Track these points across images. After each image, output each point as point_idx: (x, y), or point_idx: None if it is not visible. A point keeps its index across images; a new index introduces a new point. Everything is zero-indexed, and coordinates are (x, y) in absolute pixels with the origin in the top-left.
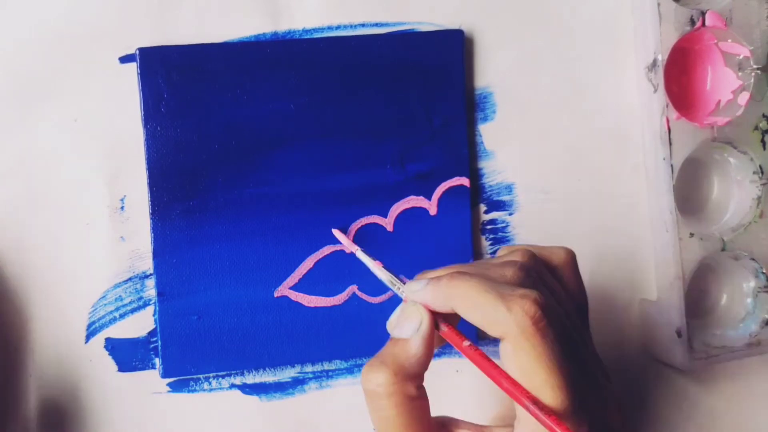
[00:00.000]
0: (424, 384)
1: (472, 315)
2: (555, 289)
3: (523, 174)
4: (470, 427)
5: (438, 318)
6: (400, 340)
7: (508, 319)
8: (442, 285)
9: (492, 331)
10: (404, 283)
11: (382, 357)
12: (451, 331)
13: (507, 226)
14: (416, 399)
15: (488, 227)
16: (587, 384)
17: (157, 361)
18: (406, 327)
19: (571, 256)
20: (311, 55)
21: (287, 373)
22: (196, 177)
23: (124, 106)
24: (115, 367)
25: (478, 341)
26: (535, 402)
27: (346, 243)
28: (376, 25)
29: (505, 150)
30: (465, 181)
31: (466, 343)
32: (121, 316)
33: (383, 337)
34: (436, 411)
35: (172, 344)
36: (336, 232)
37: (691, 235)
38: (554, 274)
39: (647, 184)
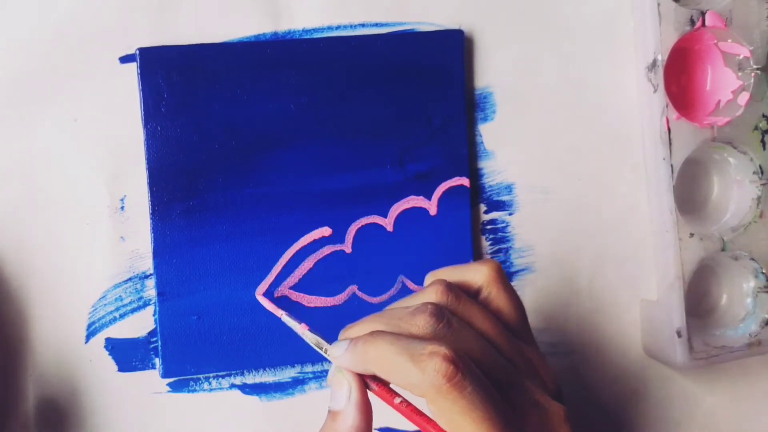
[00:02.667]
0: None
1: (391, 378)
2: (473, 321)
3: (523, 174)
4: None
5: (367, 378)
6: (336, 413)
7: (423, 382)
8: (358, 349)
9: (412, 392)
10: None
11: (325, 430)
12: (381, 390)
13: (507, 226)
14: None
15: (488, 227)
16: (523, 403)
17: (157, 361)
18: (338, 397)
19: (496, 271)
20: (311, 55)
21: (287, 373)
22: (196, 177)
23: (124, 106)
24: (115, 367)
25: None
26: None
27: (271, 309)
28: (376, 25)
29: (505, 150)
30: (465, 181)
31: (398, 400)
32: (121, 316)
33: None
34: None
35: (172, 344)
36: (261, 299)
37: (691, 235)
38: (479, 295)
39: (647, 184)
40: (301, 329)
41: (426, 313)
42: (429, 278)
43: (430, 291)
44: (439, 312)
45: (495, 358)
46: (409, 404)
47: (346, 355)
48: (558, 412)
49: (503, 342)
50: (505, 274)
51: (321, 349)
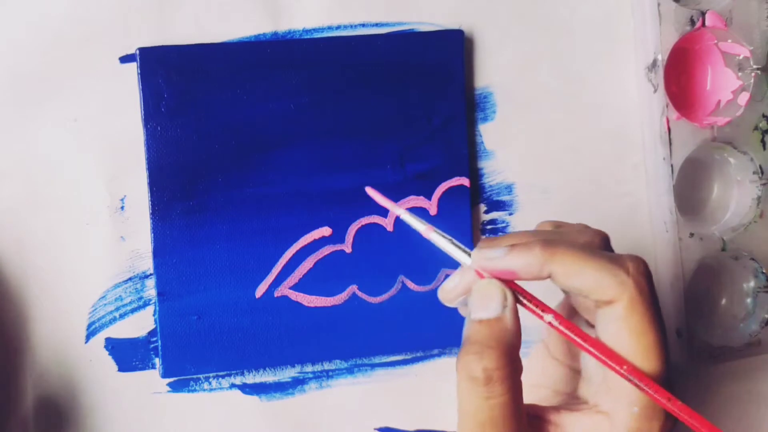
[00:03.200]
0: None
1: (577, 280)
2: None
3: (523, 174)
4: (550, 410)
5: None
6: (490, 321)
7: (626, 282)
8: (536, 251)
9: (601, 295)
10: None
11: (481, 341)
12: (535, 303)
13: (507, 226)
14: (519, 380)
15: (488, 227)
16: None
17: (157, 361)
18: (492, 306)
19: (637, 283)
20: (311, 55)
21: (287, 373)
22: (196, 177)
23: (124, 106)
24: (115, 367)
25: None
26: (634, 371)
27: (388, 204)
28: (377, 25)
29: (505, 150)
30: (465, 181)
31: (549, 316)
32: (121, 316)
33: (383, 336)
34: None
35: (172, 344)
36: (371, 191)
37: (691, 235)
38: (604, 311)
39: (647, 184)
40: (430, 230)
41: (601, 237)
42: (534, 245)
43: (576, 225)
44: (608, 238)
45: None
46: (563, 319)
47: (513, 255)
48: None
49: None
50: (653, 288)
51: (459, 251)
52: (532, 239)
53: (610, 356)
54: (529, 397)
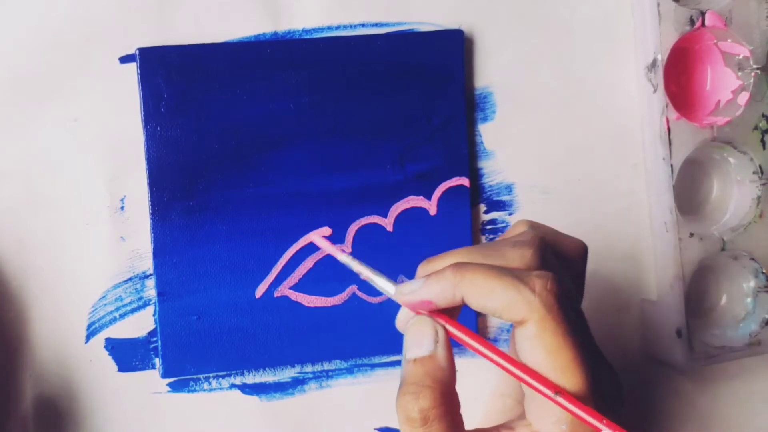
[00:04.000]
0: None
1: (488, 302)
2: (563, 275)
3: (523, 174)
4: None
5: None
6: (423, 359)
7: (533, 300)
8: (447, 276)
9: (512, 315)
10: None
11: (417, 380)
12: (457, 329)
13: (507, 226)
14: (458, 414)
15: (488, 227)
16: (594, 363)
17: (157, 361)
18: (424, 343)
19: (585, 252)
20: (311, 55)
21: (287, 373)
22: (196, 177)
23: (124, 106)
24: (115, 367)
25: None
26: (558, 391)
27: (329, 249)
28: (376, 25)
29: (505, 150)
30: (465, 181)
31: (474, 338)
32: (121, 316)
33: (383, 336)
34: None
35: (172, 344)
36: (315, 237)
37: (691, 235)
38: (563, 264)
39: (647, 184)
40: (367, 269)
41: (533, 248)
42: (520, 226)
43: (527, 236)
44: (541, 250)
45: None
46: (486, 341)
47: (429, 284)
48: (616, 377)
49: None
50: (564, 304)
51: (387, 287)
52: (452, 262)
53: (534, 377)
54: (496, 406)
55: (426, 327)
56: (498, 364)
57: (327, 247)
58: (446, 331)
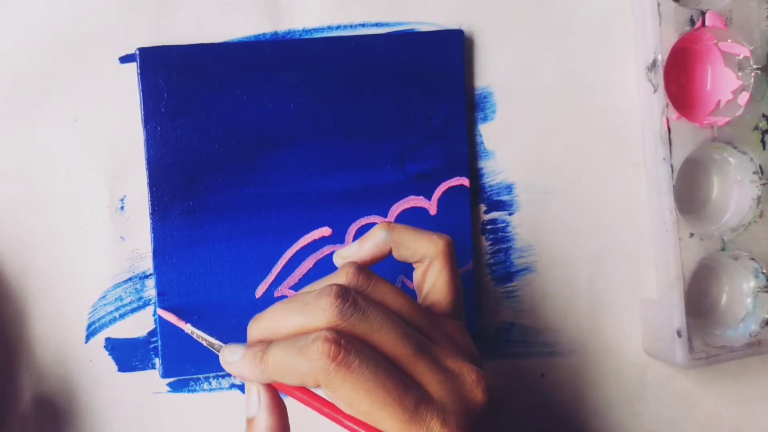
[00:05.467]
0: None
1: (289, 380)
2: (384, 299)
3: (523, 174)
4: None
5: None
6: (250, 420)
7: (311, 368)
8: (256, 361)
9: (310, 385)
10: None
11: None
12: (282, 387)
13: (507, 226)
14: None
15: (488, 227)
16: (430, 371)
17: (157, 361)
18: (249, 403)
19: (445, 248)
20: (311, 55)
21: None
22: (196, 177)
23: (124, 106)
24: (115, 367)
25: None
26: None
27: (174, 321)
28: (376, 25)
29: (505, 150)
30: (465, 181)
31: (298, 392)
32: (121, 316)
33: None
34: None
35: (172, 344)
36: (162, 313)
37: (691, 235)
38: (420, 265)
39: (647, 184)
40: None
41: (331, 295)
42: (378, 227)
43: (341, 273)
44: (344, 292)
45: (402, 333)
46: (310, 392)
47: (242, 363)
48: (470, 375)
49: (416, 315)
50: (454, 253)
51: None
52: (274, 321)
53: (363, 427)
54: None
55: (251, 389)
56: (329, 417)
57: (171, 320)
58: (270, 395)
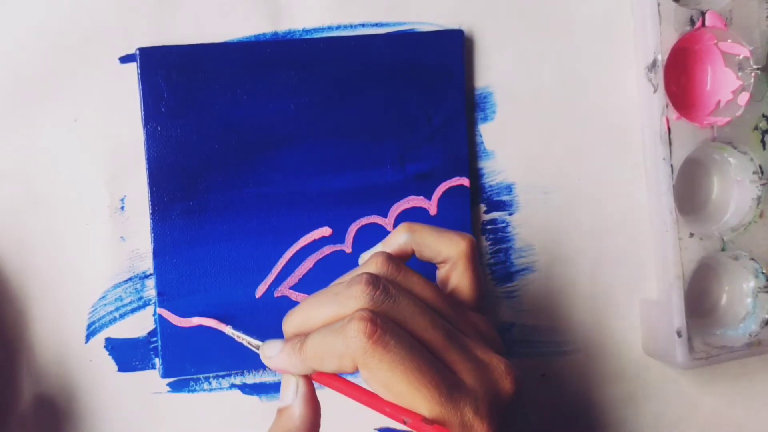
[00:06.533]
0: None
1: (328, 366)
2: (413, 289)
3: (523, 174)
4: None
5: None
6: (281, 409)
7: (348, 348)
8: (296, 352)
9: (347, 368)
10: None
11: (271, 429)
12: (323, 378)
13: (507, 226)
14: None
15: (488, 227)
16: (462, 360)
17: (157, 361)
18: (286, 394)
19: (469, 248)
20: (311, 55)
21: None
22: (196, 177)
23: (124, 106)
24: (115, 367)
25: None
26: (407, 413)
27: (214, 325)
28: (376, 25)
29: (505, 150)
30: (465, 181)
31: (338, 381)
32: (121, 316)
33: None
34: None
35: (172, 344)
36: (202, 320)
37: (691, 235)
38: (444, 265)
39: (647, 184)
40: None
41: (362, 282)
42: (400, 229)
43: (371, 262)
44: (374, 280)
45: (433, 320)
46: (348, 381)
47: (281, 357)
48: (499, 366)
49: (444, 306)
50: (477, 253)
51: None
52: (307, 316)
53: (393, 408)
54: None
55: (290, 380)
56: (366, 403)
57: (212, 324)
58: (308, 388)
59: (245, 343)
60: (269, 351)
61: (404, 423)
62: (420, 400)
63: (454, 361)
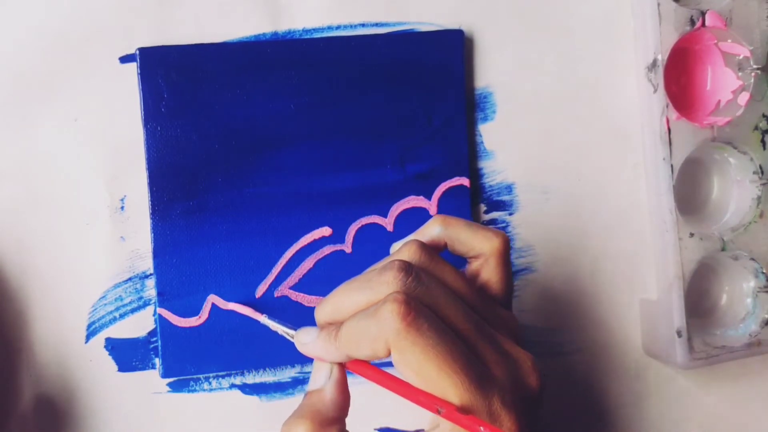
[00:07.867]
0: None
1: (362, 350)
2: (445, 278)
3: (523, 174)
4: None
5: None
6: (312, 392)
7: (382, 330)
8: (331, 339)
9: (380, 352)
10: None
11: (300, 411)
12: (357, 366)
13: (507, 226)
14: None
15: None
16: (491, 352)
17: (157, 361)
18: (318, 377)
19: (502, 246)
20: (311, 55)
21: (287, 373)
22: (196, 177)
23: (124, 106)
24: (115, 367)
25: None
26: (441, 403)
27: (250, 313)
28: (376, 25)
29: (505, 150)
30: (465, 181)
31: (372, 370)
32: (121, 316)
33: None
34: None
35: (172, 344)
36: (237, 306)
37: (691, 235)
38: (476, 260)
39: (647, 184)
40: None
41: (394, 269)
42: (434, 221)
43: (404, 249)
44: (407, 267)
45: (464, 310)
46: (381, 371)
47: (317, 344)
48: (526, 361)
49: (474, 298)
50: (509, 251)
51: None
52: (340, 303)
53: (426, 397)
54: None
55: (322, 364)
56: (399, 392)
57: (246, 312)
58: (341, 374)
59: (280, 332)
60: (304, 338)
61: (438, 413)
62: (450, 386)
63: (483, 352)
